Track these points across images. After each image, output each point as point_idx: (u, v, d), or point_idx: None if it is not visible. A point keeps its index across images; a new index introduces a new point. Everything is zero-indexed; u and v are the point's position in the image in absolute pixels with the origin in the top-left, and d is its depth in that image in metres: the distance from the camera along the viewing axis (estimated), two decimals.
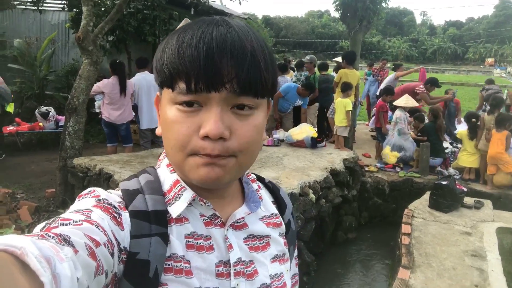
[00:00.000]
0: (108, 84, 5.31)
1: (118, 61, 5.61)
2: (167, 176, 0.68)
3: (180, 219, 0.64)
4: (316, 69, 7.82)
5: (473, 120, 5.94)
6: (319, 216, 4.65)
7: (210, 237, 0.65)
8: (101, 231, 0.53)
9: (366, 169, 6.06)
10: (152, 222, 0.60)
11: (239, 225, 0.69)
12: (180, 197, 0.65)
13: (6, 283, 0.37)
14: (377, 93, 8.67)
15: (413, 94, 7.26)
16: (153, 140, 6.08)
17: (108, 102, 5.37)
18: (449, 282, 3.12)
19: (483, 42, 62.28)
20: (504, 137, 5.40)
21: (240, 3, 10.82)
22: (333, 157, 5.42)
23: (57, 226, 0.51)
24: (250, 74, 0.57)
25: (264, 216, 0.75)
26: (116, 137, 5.70)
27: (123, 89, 5.32)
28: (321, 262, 4.63)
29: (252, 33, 0.60)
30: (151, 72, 5.38)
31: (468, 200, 4.74)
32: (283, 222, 0.78)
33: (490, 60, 56.17)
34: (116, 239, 0.56)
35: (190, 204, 0.65)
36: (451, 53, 62.50)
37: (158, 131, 0.68)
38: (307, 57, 7.76)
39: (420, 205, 4.70)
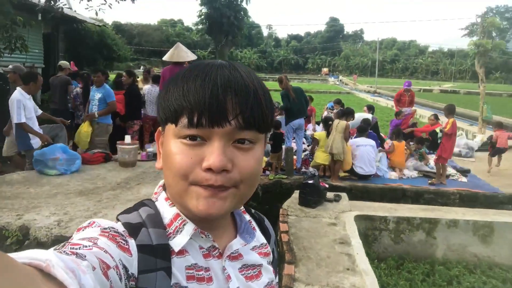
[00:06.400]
0: None
1: None
2: (166, 210, 0.69)
3: (181, 252, 0.65)
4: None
5: (330, 122, 6.92)
6: None
7: (209, 269, 0.68)
8: (110, 256, 0.54)
9: None
10: (157, 256, 0.62)
11: (234, 256, 0.72)
12: (181, 231, 0.66)
13: None
14: None
15: None
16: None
17: None
18: (326, 270, 3.56)
19: (319, 54, 71.57)
20: (403, 146, 6.65)
21: (96, 13, 10.11)
22: None
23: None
24: (253, 111, 0.62)
25: (255, 246, 0.78)
26: None
27: None
28: None
29: (253, 74, 0.66)
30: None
31: (329, 194, 5.44)
32: (271, 252, 0.82)
33: (325, 69, 65.05)
34: (124, 266, 0.56)
35: (190, 237, 0.66)
36: (294, 64, 70.09)
37: (158, 165, 0.71)
38: (10, 66, 6.19)
39: (292, 203, 5.19)
